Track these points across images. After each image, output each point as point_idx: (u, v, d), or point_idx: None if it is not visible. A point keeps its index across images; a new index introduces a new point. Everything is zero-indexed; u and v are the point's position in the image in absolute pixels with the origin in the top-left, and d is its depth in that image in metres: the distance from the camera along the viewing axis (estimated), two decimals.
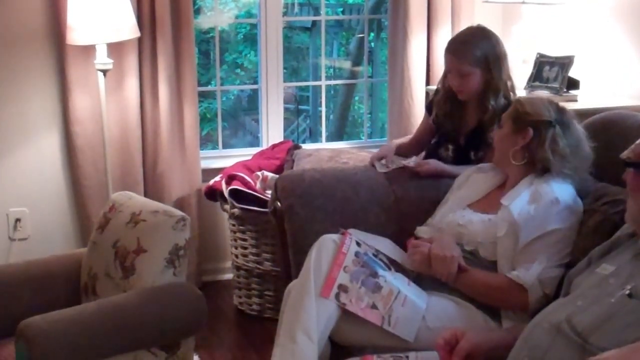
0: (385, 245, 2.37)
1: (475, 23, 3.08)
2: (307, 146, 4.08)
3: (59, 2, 3.47)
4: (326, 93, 4.84)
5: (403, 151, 3.07)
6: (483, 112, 2.86)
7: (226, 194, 3.51)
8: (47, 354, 2.04)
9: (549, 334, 1.73)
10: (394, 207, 2.65)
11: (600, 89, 3.66)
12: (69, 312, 2.19)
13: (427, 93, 3.96)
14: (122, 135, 3.65)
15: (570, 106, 2.78)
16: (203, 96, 6.25)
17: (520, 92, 3.44)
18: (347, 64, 7.47)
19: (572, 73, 3.60)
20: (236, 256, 3.60)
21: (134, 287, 2.29)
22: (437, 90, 3.08)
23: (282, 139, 4.07)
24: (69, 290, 2.52)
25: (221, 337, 3.47)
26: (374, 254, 2.27)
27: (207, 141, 5.94)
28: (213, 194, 3.66)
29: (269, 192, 3.17)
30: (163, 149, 3.69)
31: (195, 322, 2.35)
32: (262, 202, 3.35)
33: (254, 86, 4.93)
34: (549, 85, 3.64)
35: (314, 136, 7.28)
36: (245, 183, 3.49)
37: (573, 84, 3.61)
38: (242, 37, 7.62)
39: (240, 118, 7.70)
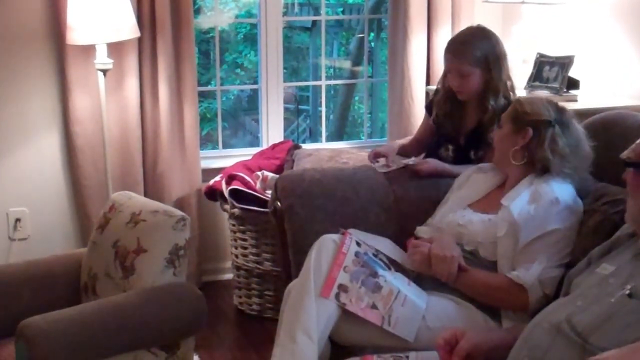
0: (385, 245, 2.37)
1: (475, 23, 3.08)
2: (307, 146, 4.08)
3: (59, 2, 3.47)
4: (326, 93, 4.84)
5: (405, 152, 3.07)
6: (483, 112, 2.86)
7: (226, 194, 3.51)
8: (47, 354, 2.04)
9: (549, 333, 1.73)
10: (394, 207, 2.65)
11: (600, 89, 3.66)
12: (69, 312, 2.19)
13: (427, 93, 3.96)
14: (122, 135, 3.65)
15: (570, 106, 2.78)
16: (203, 96, 6.25)
17: (520, 92, 3.44)
18: (347, 64, 7.47)
19: (572, 73, 3.60)
20: (236, 256, 3.60)
21: (134, 287, 2.29)
22: (437, 90, 3.08)
23: (282, 139, 4.07)
24: (69, 290, 2.52)
25: (221, 337, 3.47)
26: (374, 254, 2.27)
27: (207, 141, 5.94)
28: (213, 194, 3.66)
29: (269, 192, 3.17)
30: (163, 149, 3.69)
31: (195, 322, 2.35)
32: (262, 202, 3.35)
33: (254, 86, 4.93)
34: (549, 85, 3.64)
35: (314, 136, 7.28)
36: (245, 183, 3.49)
37: (573, 84, 3.61)
38: (242, 37, 7.62)
39: (240, 118, 7.70)
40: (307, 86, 7.45)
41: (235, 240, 3.58)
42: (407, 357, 2.01)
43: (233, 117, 7.65)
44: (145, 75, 3.64)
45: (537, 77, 3.72)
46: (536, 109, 2.35)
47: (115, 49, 3.48)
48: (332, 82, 7.22)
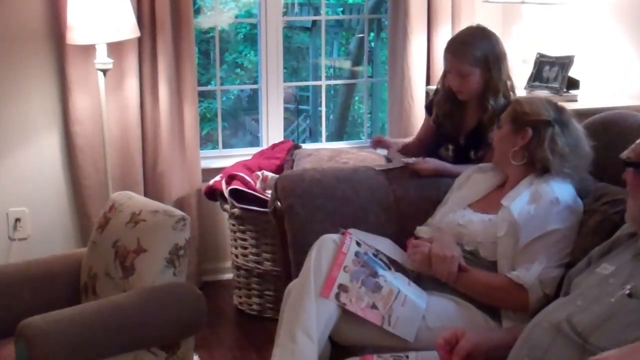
0: (385, 245, 2.37)
1: (475, 23, 3.08)
2: (307, 146, 4.08)
3: (59, 2, 3.47)
4: (326, 93, 4.84)
5: (408, 150, 3.08)
6: (483, 112, 2.86)
7: (226, 193, 3.51)
8: (47, 354, 2.04)
9: (549, 333, 1.73)
10: (394, 207, 2.65)
11: (600, 89, 3.66)
12: (69, 312, 2.19)
13: (427, 93, 3.96)
14: (122, 135, 3.65)
15: (570, 106, 2.79)
16: (203, 96, 6.25)
17: (521, 92, 3.44)
18: (347, 64, 7.47)
19: (572, 73, 3.60)
20: (236, 256, 3.60)
21: (134, 287, 2.29)
22: (436, 90, 3.09)
23: (282, 139, 4.07)
24: (69, 290, 2.52)
25: (221, 337, 3.47)
26: (374, 254, 2.27)
27: (207, 141, 5.94)
28: (213, 193, 3.66)
29: (269, 192, 3.17)
30: (163, 149, 3.69)
31: (195, 322, 2.35)
32: (262, 202, 3.35)
33: (254, 86, 4.93)
34: (549, 85, 3.64)
35: (314, 136, 7.28)
36: (245, 183, 3.49)
37: (573, 84, 3.61)
38: (242, 37, 7.62)
39: (240, 118, 7.70)
40: (307, 86, 7.45)
41: (235, 240, 3.58)
42: (407, 357, 2.01)
43: (233, 117, 7.65)
44: (145, 75, 3.64)
45: (537, 77, 3.72)
46: (535, 109, 2.35)
47: (115, 48, 3.48)
48: (332, 82, 7.22)
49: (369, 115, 6.02)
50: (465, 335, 1.92)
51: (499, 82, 2.85)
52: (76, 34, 3.30)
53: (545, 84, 3.66)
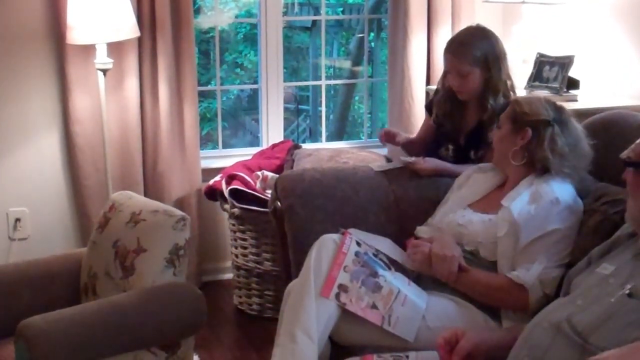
0: (386, 245, 2.37)
1: (475, 23, 3.08)
2: (307, 146, 4.08)
3: (59, 1, 3.47)
4: (326, 93, 4.84)
5: (411, 146, 3.08)
6: (483, 112, 2.87)
7: (226, 193, 3.51)
8: (47, 354, 2.04)
9: (548, 333, 1.73)
10: (394, 207, 2.65)
11: (600, 89, 3.66)
12: (69, 312, 2.19)
13: (427, 93, 3.96)
14: (122, 135, 3.65)
15: (570, 106, 2.79)
16: (203, 96, 6.25)
17: (521, 91, 3.44)
18: (347, 64, 7.47)
19: (572, 73, 3.60)
20: (236, 256, 3.60)
21: (133, 287, 2.29)
22: (437, 90, 3.09)
23: (282, 139, 4.07)
24: (69, 290, 2.52)
25: (221, 337, 3.47)
26: (374, 254, 2.27)
27: (207, 141, 5.94)
28: (213, 193, 3.66)
29: (269, 191, 3.17)
30: (163, 149, 3.69)
31: (195, 322, 2.35)
32: (262, 202, 3.35)
33: (254, 86, 4.93)
34: (549, 85, 3.64)
35: (314, 136, 7.28)
36: (245, 183, 3.49)
37: (573, 84, 3.61)
38: (242, 36, 7.62)
39: (240, 118, 7.70)
40: (307, 86, 7.45)
41: (235, 240, 3.58)
42: (407, 357, 2.01)
43: (233, 117, 7.65)
44: (145, 75, 3.64)
45: (537, 77, 3.72)
46: (535, 109, 2.35)
47: (115, 48, 3.48)
48: (332, 82, 7.22)
49: (369, 115, 6.02)
50: (465, 335, 1.92)
51: (499, 81, 2.85)
52: (76, 33, 3.30)
53: (545, 84, 3.66)
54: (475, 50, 2.83)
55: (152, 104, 3.66)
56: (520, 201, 2.27)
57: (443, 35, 3.88)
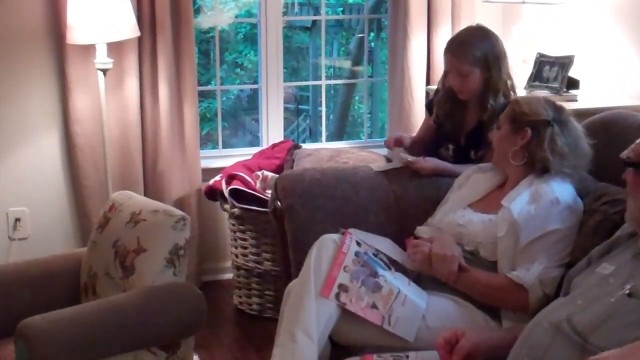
0: (386, 245, 2.37)
1: (475, 23, 3.08)
2: (307, 146, 4.08)
3: (59, 1, 3.47)
4: (326, 93, 4.84)
5: (413, 146, 3.08)
6: (483, 112, 2.87)
7: (226, 193, 3.51)
8: (47, 354, 2.04)
9: (548, 333, 1.73)
10: (394, 207, 2.65)
11: (600, 89, 3.66)
12: (69, 312, 2.19)
13: (427, 93, 3.96)
14: (122, 135, 3.65)
15: (570, 106, 2.79)
16: (203, 96, 6.25)
17: (521, 91, 3.44)
18: (347, 64, 7.47)
19: (572, 73, 3.60)
20: (236, 256, 3.60)
21: (133, 287, 2.29)
22: (437, 90, 3.09)
23: (282, 139, 4.07)
24: (69, 290, 2.52)
25: (221, 337, 3.47)
26: (374, 254, 2.27)
27: (207, 141, 5.94)
28: (213, 193, 3.66)
29: (269, 191, 3.17)
30: (163, 149, 3.69)
31: (195, 322, 2.35)
32: (262, 202, 3.34)
33: (254, 86, 4.93)
34: (549, 85, 3.64)
35: (314, 136, 7.28)
36: (245, 183, 3.49)
37: (573, 84, 3.61)
38: (242, 36, 7.62)
39: (240, 118, 7.70)
40: (307, 86, 7.45)
41: (235, 240, 3.58)
42: (407, 357, 2.01)
43: (233, 117, 7.65)
44: (145, 75, 3.64)
45: (537, 77, 3.72)
46: (534, 108, 2.35)
47: (115, 48, 3.48)
48: (332, 82, 7.22)
49: (369, 115, 6.02)
50: (465, 335, 1.92)
51: (499, 81, 2.85)
52: (76, 33, 3.30)
53: (545, 84, 3.66)
54: (476, 50, 2.83)
55: (152, 104, 3.66)
56: (520, 201, 2.27)
57: (443, 35, 3.88)
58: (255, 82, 4.48)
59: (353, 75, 7.18)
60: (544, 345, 1.71)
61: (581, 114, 2.67)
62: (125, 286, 2.31)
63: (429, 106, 3.15)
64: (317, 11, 7.04)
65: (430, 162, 2.79)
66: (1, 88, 3.57)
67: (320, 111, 5.57)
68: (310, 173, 2.69)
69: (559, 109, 2.38)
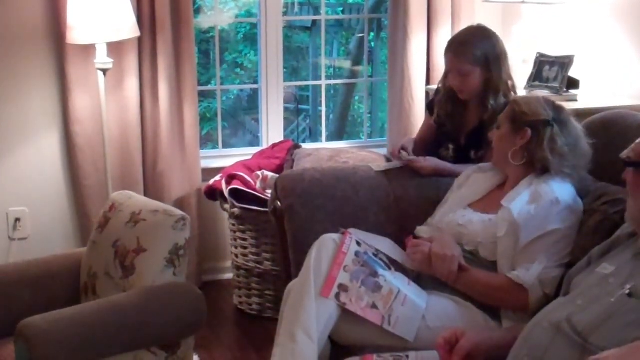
0: (386, 245, 2.37)
1: (475, 23, 3.08)
2: (307, 146, 4.08)
3: (59, 1, 3.47)
4: (326, 93, 4.84)
5: (414, 147, 3.07)
6: (484, 112, 2.86)
7: (226, 193, 3.51)
8: (47, 354, 2.04)
9: (548, 333, 1.73)
10: (394, 206, 2.65)
11: (600, 89, 3.66)
12: (69, 312, 2.19)
13: (427, 93, 3.96)
14: (122, 135, 3.65)
15: (570, 106, 2.79)
16: (203, 96, 6.25)
17: (521, 91, 3.44)
18: (347, 64, 7.47)
19: (572, 73, 3.60)
20: (236, 256, 3.60)
21: (133, 287, 2.29)
22: (437, 90, 3.09)
23: (282, 139, 4.07)
24: (69, 290, 2.52)
25: (221, 337, 3.47)
26: (374, 254, 2.27)
27: (207, 141, 5.94)
28: (213, 193, 3.66)
29: (269, 191, 3.17)
30: (163, 149, 3.69)
31: (195, 322, 2.35)
32: (262, 202, 3.35)
33: (254, 86, 4.93)
34: (549, 85, 3.64)
35: (314, 136, 7.28)
36: (245, 183, 3.49)
37: (573, 84, 3.61)
38: (242, 36, 7.62)
39: (240, 118, 7.70)
40: (307, 86, 7.44)
41: (235, 240, 3.58)
42: (407, 356, 2.01)
43: (233, 117, 7.64)
44: (145, 75, 3.64)
45: (537, 77, 3.72)
46: (534, 108, 2.35)
47: (115, 48, 3.48)
48: (332, 81, 7.22)
49: (369, 115, 6.02)
50: (465, 335, 1.92)
51: (499, 81, 2.85)
52: (76, 33, 3.30)
53: (545, 84, 3.66)
54: (476, 49, 2.83)
55: (152, 104, 3.66)
56: (520, 201, 2.27)
57: (443, 35, 3.88)
58: (255, 82, 4.48)
59: (353, 75, 7.18)
60: (544, 345, 1.71)
61: (581, 114, 2.67)
62: (125, 286, 2.31)
63: (430, 106, 3.15)
64: (317, 11, 7.04)
65: (430, 162, 2.79)
66: (1, 88, 3.57)
67: (320, 111, 5.57)
68: (310, 173, 2.69)
69: (558, 109, 2.38)
